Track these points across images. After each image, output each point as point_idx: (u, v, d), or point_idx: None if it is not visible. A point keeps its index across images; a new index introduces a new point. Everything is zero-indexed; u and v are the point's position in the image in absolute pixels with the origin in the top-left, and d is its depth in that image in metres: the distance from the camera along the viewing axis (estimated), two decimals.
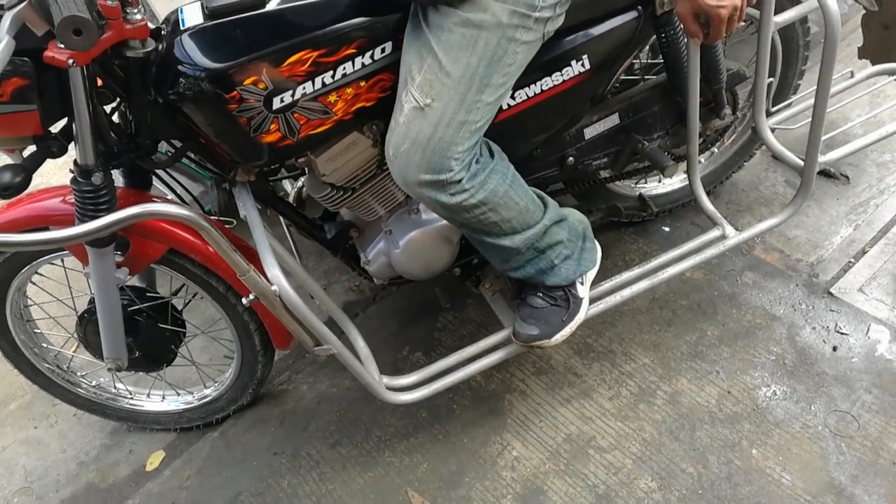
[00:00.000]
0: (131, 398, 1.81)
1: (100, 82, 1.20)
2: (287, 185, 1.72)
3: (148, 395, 1.82)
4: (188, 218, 1.06)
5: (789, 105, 1.78)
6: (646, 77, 1.68)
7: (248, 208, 1.31)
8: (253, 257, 1.27)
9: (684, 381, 1.69)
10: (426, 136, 1.19)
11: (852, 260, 1.86)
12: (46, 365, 1.69)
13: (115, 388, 1.80)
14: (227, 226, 1.47)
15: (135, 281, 1.58)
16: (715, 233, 1.62)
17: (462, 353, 1.55)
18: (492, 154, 1.30)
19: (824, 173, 2.04)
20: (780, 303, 1.81)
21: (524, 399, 1.72)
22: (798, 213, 1.67)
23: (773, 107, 1.73)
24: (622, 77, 1.66)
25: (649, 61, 1.70)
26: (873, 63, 1.86)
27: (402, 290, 2.00)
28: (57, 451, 1.82)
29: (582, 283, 1.54)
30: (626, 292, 1.56)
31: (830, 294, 1.79)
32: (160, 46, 1.17)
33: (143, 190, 1.45)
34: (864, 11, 1.79)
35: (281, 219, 1.67)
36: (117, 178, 1.43)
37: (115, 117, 1.31)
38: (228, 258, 1.13)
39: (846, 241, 1.90)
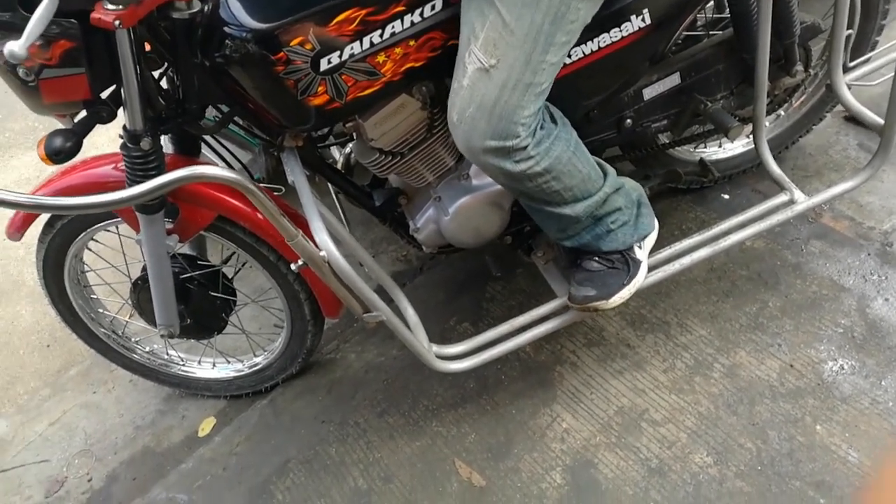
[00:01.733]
0: (183, 365, 1.83)
1: (147, 47, 1.19)
2: (335, 152, 1.69)
3: (199, 363, 1.84)
4: (235, 181, 1.04)
5: (867, 61, 1.66)
6: (710, 33, 1.58)
7: (295, 174, 1.29)
8: (301, 224, 1.25)
9: (743, 353, 1.61)
10: (492, 99, 1.15)
11: None
12: (103, 330, 1.73)
13: (167, 354, 1.82)
14: (275, 193, 1.46)
15: (186, 249, 1.59)
16: (782, 198, 1.53)
17: (512, 322, 1.51)
18: (554, 120, 1.26)
19: None
20: (850, 273, 1.70)
21: (575, 371, 1.67)
22: (873, 178, 1.56)
23: (850, 62, 1.61)
24: (684, 33, 1.57)
25: (714, 16, 1.60)
26: None
27: (449, 260, 1.96)
28: (114, 416, 1.86)
29: (640, 248, 1.48)
30: (686, 260, 1.49)
31: None
32: (206, 7, 1.14)
33: (191, 157, 1.44)
34: None
35: (329, 186, 1.64)
36: (166, 145, 1.44)
37: (163, 82, 1.30)
38: (277, 223, 1.11)
39: None
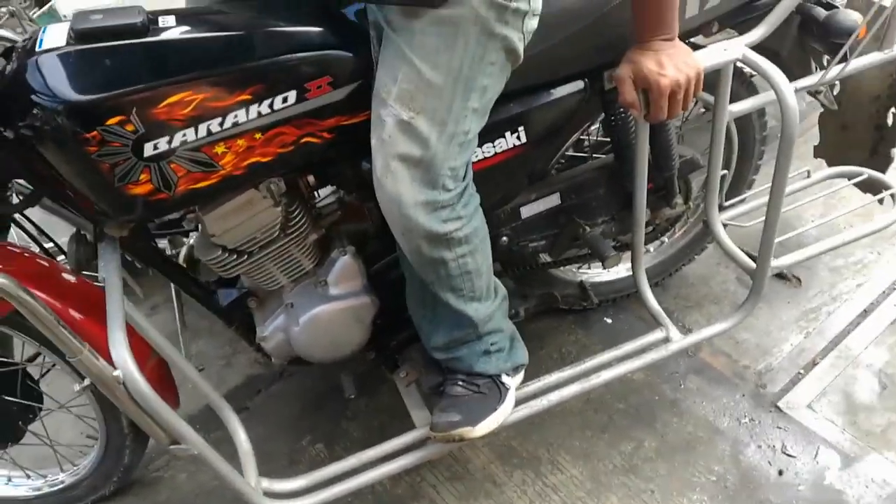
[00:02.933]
0: None
1: None
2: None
3: None
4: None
5: (744, 200, 1.66)
6: (595, 155, 1.54)
7: (108, 271, 1.09)
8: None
9: (614, 499, 1.48)
10: (417, 151, 1.07)
11: (802, 371, 1.71)
12: None
13: None
14: (97, 283, 1.25)
15: None
16: (658, 334, 1.46)
17: (361, 456, 1.32)
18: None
19: (778, 275, 1.92)
20: (725, 414, 1.64)
21: None
22: (749, 315, 1.53)
23: (726, 201, 1.60)
24: (569, 153, 1.53)
25: (600, 139, 1.56)
26: (829, 164, 1.77)
27: (310, 368, 1.78)
28: None
29: (509, 377, 1.36)
30: (555, 396, 1.37)
31: (778, 408, 1.63)
32: (7, 69, 0.97)
33: None
34: (822, 109, 1.70)
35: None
36: None
37: None
38: (53, 336, 0.90)
39: (796, 349, 1.77)
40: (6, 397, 1.31)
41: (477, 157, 1.23)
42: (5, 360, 1.33)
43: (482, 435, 1.29)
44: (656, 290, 1.89)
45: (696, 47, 1.28)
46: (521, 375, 1.39)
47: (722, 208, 1.55)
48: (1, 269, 1.03)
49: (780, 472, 1.51)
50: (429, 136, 1.06)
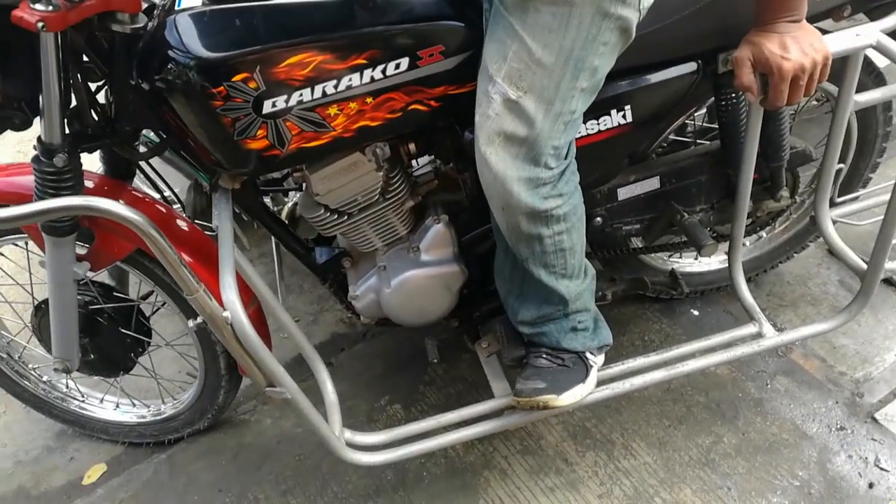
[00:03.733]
0: (82, 401, 1.66)
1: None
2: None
3: (101, 401, 1.67)
4: (129, 220, 0.91)
5: (857, 198, 1.57)
6: (698, 142, 1.50)
7: (221, 219, 1.16)
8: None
9: (688, 491, 1.46)
10: (523, 130, 1.07)
11: None
12: None
13: (66, 387, 1.65)
14: (208, 233, 1.33)
15: (105, 277, 1.45)
16: (750, 329, 1.41)
17: (440, 418, 1.36)
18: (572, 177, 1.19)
19: (886, 280, 1.82)
20: (815, 420, 1.57)
21: (503, 479, 1.51)
22: (852, 323, 1.46)
23: (838, 197, 1.52)
24: (672, 137, 1.49)
25: (705, 125, 1.52)
26: None
27: (395, 330, 1.83)
28: None
29: (594, 355, 1.36)
30: (638, 380, 1.36)
31: (874, 420, 1.56)
32: (150, 25, 1.04)
33: (123, 181, 1.32)
34: None
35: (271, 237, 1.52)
36: (97, 164, 1.32)
37: (100, 96, 1.19)
38: (175, 273, 0.97)
39: None
40: (121, 330, 1.42)
41: (580, 133, 1.22)
42: (122, 295, 1.44)
43: (567, 405, 1.28)
44: (749, 286, 1.81)
45: (823, 32, 1.22)
46: (603, 356, 1.38)
47: (833, 204, 1.47)
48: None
49: (871, 485, 1.44)
50: (535, 116, 1.06)
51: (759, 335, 1.40)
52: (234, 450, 1.63)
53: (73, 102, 1.12)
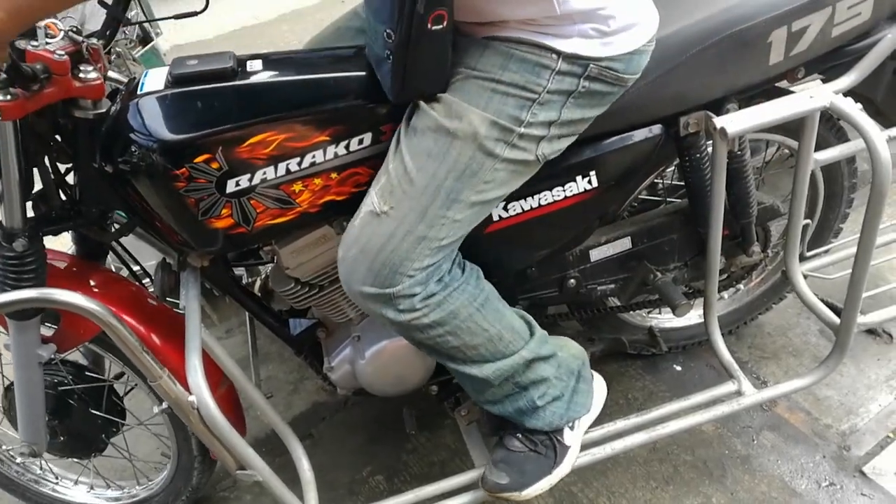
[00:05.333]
0: (56, 483, 1.61)
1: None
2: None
3: (75, 483, 1.61)
4: (87, 310, 0.90)
5: (829, 251, 1.58)
6: (669, 200, 1.51)
7: (189, 298, 1.15)
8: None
9: None
10: (377, 246, 1.05)
11: (891, 435, 1.59)
12: None
13: (39, 468, 1.60)
14: (178, 311, 1.32)
15: (78, 356, 1.42)
16: (730, 387, 1.40)
17: (419, 491, 1.32)
18: (462, 272, 1.14)
19: (867, 329, 1.81)
20: (803, 475, 1.54)
21: None
22: (834, 373, 1.44)
23: (808, 251, 1.53)
24: (643, 196, 1.50)
25: (674, 183, 1.53)
26: None
27: (375, 399, 1.80)
28: None
29: (572, 429, 1.32)
30: (619, 444, 1.33)
31: (862, 473, 1.53)
32: (112, 110, 1.05)
33: (94, 261, 1.31)
34: None
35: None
36: (69, 245, 1.32)
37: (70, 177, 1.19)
38: (137, 360, 0.95)
39: (885, 411, 1.65)
40: (93, 411, 1.39)
41: (547, 200, 1.23)
42: (95, 375, 1.41)
43: (531, 498, 1.27)
44: (729, 339, 1.82)
45: (781, 93, 1.25)
46: (590, 420, 1.34)
47: (803, 258, 1.48)
48: (97, 295, 1.11)
49: None
50: (394, 234, 1.05)
51: (738, 393, 1.39)
52: None
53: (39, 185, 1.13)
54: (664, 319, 1.76)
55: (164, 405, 1.03)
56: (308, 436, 1.77)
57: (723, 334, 1.70)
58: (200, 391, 1.01)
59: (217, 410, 1.02)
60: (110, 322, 0.90)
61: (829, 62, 1.29)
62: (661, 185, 1.53)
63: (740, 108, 1.23)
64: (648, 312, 1.74)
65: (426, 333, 1.11)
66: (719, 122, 1.11)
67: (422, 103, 1.04)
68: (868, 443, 1.59)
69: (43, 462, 1.59)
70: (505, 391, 1.22)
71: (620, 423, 1.37)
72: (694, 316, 1.76)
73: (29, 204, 1.14)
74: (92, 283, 1.24)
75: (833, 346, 1.34)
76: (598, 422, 1.41)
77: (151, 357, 0.96)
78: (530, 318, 1.25)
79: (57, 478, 1.61)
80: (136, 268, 1.41)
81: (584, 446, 1.35)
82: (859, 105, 1.12)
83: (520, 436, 1.29)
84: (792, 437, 1.62)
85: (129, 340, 0.92)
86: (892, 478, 1.51)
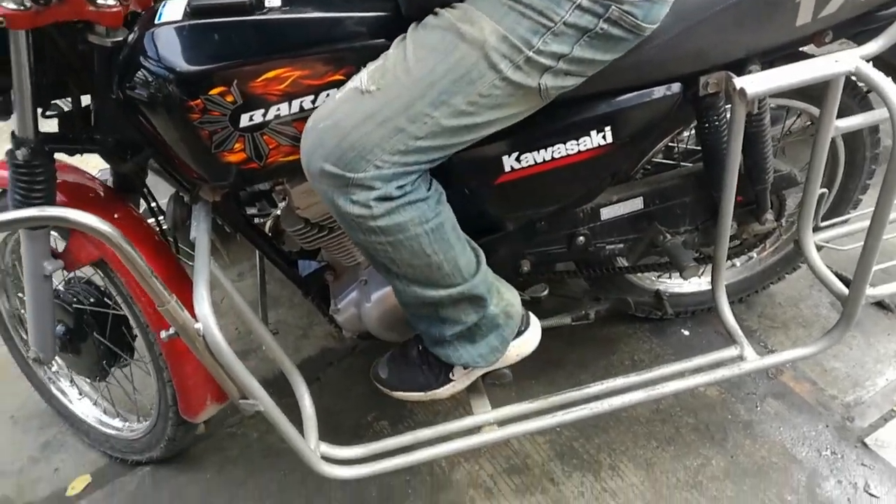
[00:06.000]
0: (79, 400, 1.67)
1: None
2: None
3: (94, 403, 1.67)
4: (98, 230, 0.92)
5: (846, 221, 1.56)
6: (684, 164, 1.49)
7: (199, 231, 1.17)
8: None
9: None
10: (352, 123, 1.02)
11: (895, 409, 1.60)
12: (22, 335, 1.61)
13: (70, 382, 1.67)
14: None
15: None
16: (732, 351, 1.40)
17: (417, 433, 1.35)
18: (428, 190, 1.11)
19: (878, 303, 1.80)
20: (804, 443, 1.55)
21: (488, 498, 1.49)
22: (838, 345, 1.44)
23: (823, 221, 1.51)
24: (658, 160, 1.49)
25: (690, 147, 1.51)
26: None
27: (385, 345, 1.83)
28: None
29: (465, 368, 1.33)
30: (617, 401, 1.34)
31: (864, 444, 1.53)
32: (130, 38, 1.05)
33: (127, 193, 1.34)
34: None
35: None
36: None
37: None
38: (146, 284, 0.98)
39: (892, 385, 1.64)
40: (98, 336, 1.43)
41: (559, 153, 1.22)
42: (109, 302, 1.44)
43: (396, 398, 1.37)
44: (739, 307, 1.82)
45: (805, 56, 1.22)
46: (478, 373, 1.35)
47: (818, 229, 1.46)
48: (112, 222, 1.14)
49: None
50: (372, 116, 1.01)
51: (740, 358, 1.39)
52: (220, 463, 1.62)
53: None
54: (672, 284, 1.76)
55: (171, 331, 1.06)
56: (315, 379, 1.80)
57: (733, 302, 1.70)
58: (207, 319, 1.04)
59: (222, 338, 1.05)
60: (119, 243, 0.92)
61: (858, 27, 1.25)
62: (676, 150, 1.52)
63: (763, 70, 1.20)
64: (658, 276, 1.74)
65: (368, 236, 1.08)
66: (739, 82, 1.09)
67: (438, 8, 1.03)
68: (872, 415, 1.59)
69: (74, 377, 1.65)
70: (422, 313, 1.23)
71: (621, 381, 1.38)
72: (703, 282, 1.76)
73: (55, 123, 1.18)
74: (111, 211, 1.27)
75: (839, 317, 1.34)
76: (601, 378, 1.43)
77: (160, 281, 0.99)
78: (482, 257, 1.23)
79: (80, 394, 1.67)
80: (155, 206, 1.43)
81: (582, 401, 1.37)
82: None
83: (420, 348, 1.33)
84: (796, 406, 1.62)
85: (138, 263, 0.95)
86: (893, 450, 1.51)
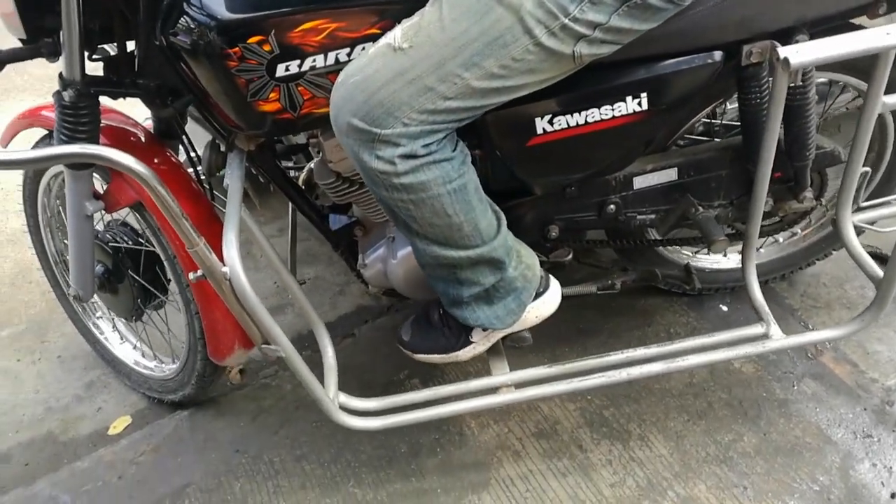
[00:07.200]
0: (121, 343, 1.74)
1: None
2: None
3: (134, 347, 1.74)
4: (132, 170, 0.95)
5: (887, 203, 1.50)
6: (719, 138, 1.46)
7: (232, 178, 1.20)
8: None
9: (703, 487, 1.44)
10: (382, 79, 1.02)
11: None
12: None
13: (113, 327, 1.74)
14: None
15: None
16: (757, 329, 1.38)
17: (437, 390, 1.38)
18: (454, 150, 1.11)
19: None
20: (840, 425, 1.52)
21: (516, 460, 1.51)
22: (882, 328, 1.40)
23: (867, 200, 1.47)
24: (694, 136, 1.46)
25: (727, 122, 1.47)
26: None
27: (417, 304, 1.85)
28: (30, 390, 1.77)
29: (485, 330, 1.34)
30: (635, 371, 1.34)
31: None
32: None
33: (168, 139, 1.38)
34: None
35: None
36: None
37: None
38: (177, 225, 1.01)
39: None
40: (134, 275, 1.48)
41: (594, 118, 1.20)
42: (145, 243, 1.49)
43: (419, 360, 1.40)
44: (782, 285, 1.80)
45: (854, 28, 1.17)
46: (497, 335, 1.37)
47: (859, 209, 1.42)
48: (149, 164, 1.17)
49: (893, 496, 1.40)
50: (403, 73, 1.01)
51: (765, 336, 1.37)
52: (254, 412, 1.67)
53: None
54: (707, 260, 1.73)
55: (199, 273, 1.09)
56: (350, 335, 1.83)
57: (776, 279, 1.70)
58: (234, 263, 1.07)
59: (247, 283, 1.08)
60: (154, 185, 0.96)
61: None
62: (716, 126, 1.48)
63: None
64: (696, 252, 1.71)
65: (391, 193, 1.09)
66: (783, 51, 1.05)
67: None
68: None
69: (116, 322, 1.73)
70: (440, 273, 1.23)
71: (640, 351, 1.38)
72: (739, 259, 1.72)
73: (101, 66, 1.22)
74: (151, 155, 1.31)
75: (872, 300, 1.31)
76: (619, 347, 1.43)
77: (190, 224, 1.02)
78: (503, 221, 1.23)
79: (122, 339, 1.74)
80: (193, 154, 1.46)
81: (600, 368, 1.37)
82: None
83: (441, 311, 1.34)
84: (834, 387, 1.59)
85: (171, 204, 0.98)
86: None
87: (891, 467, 1.44)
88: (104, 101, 1.22)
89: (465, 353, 1.36)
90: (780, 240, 1.72)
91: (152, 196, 0.98)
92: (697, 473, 1.46)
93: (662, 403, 1.59)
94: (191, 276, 1.12)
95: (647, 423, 1.56)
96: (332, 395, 1.29)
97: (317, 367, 1.48)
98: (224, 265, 1.08)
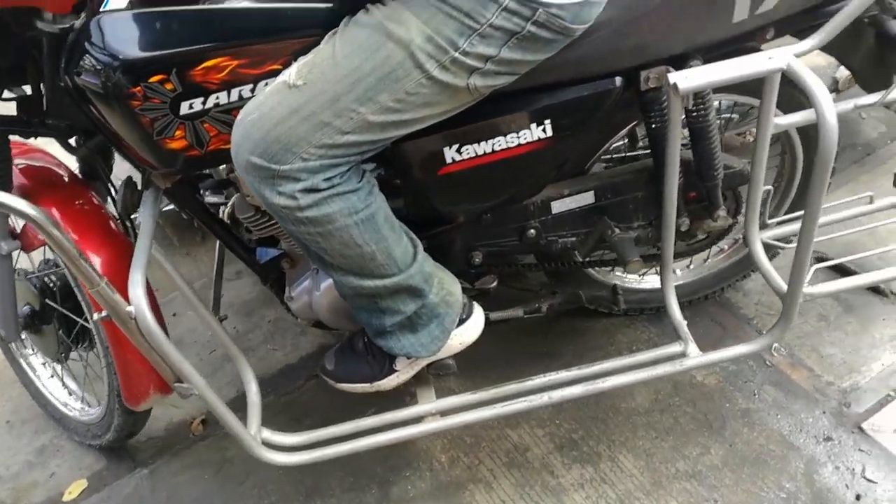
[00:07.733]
0: (49, 380, 1.72)
1: None
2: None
3: (51, 376, 1.72)
4: (17, 210, 0.95)
5: (792, 220, 1.55)
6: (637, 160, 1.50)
7: (145, 216, 1.21)
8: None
9: (674, 503, 1.45)
10: (278, 117, 1.03)
11: (892, 394, 1.58)
12: None
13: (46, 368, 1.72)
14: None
15: None
16: (675, 348, 1.41)
17: (360, 422, 1.38)
18: (359, 182, 1.12)
19: (873, 288, 1.78)
20: (802, 430, 1.55)
21: (489, 493, 1.51)
22: (833, 330, 1.46)
23: (772, 217, 1.52)
24: (620, 158, 1.50)
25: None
26: None
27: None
28: None
29: (409, 358, 1.35)
30: (556, 394, 1.36)
31: (861, 430, 1.53)
32: (76, 24, 1.09)
33: (90, 181, 1.38)
34: None
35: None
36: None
37: None
38: (75, 266, 1.01)
39: (888, 370, 1.63)
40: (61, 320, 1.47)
41: (500, 146, 1.23)
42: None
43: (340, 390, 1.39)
44: (736, 296, 1.83)
45: (746, 51, 1.22)
46: (413, 370, 1.37)
47: (765, 226, 1.46)
48: (60, 206, 1.17)
49: (858, 497, 1.42)
50: (299, 109, 1.03)
51: (682, 355, 1.39)
52: (218, 463, 1.63)
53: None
54: (635, 280, 1.76)
55: (104, 314, 1.09)
56: (314, 376, 1.77)
57: (717, 293, 1.75)
58: (139, 302, 1.06)
59: (153, 321, 1.07)
60: (46, 226, 0.95)
61: (800, 24, 1.25)
62: (639, 148, 1.52)
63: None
64: (611, 271, 1.73)
65: (297, 227, 1.10)
66: (673, 77, 1.09)
67: (369, 5, 1.05)
68: (868, 400, 1.59)
69: (56, 367, 1.69)
70: (362, 304, 1.24)
71: (563, 374, 1.40)
72: (689, 276, 1.76)
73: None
74: (72, 196, 1.31)
75: (780, 315, 1.34)
76: (545, 371, 1.43)
77: (89, 264, 1.02)
78: (419, 247, 1.24)
79: (52, 376, 1.71)
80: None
81: (523, 393, 1.38)
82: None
83: (365, 340, 1.35)
84: (793, 393, 1.62)
85: (65, 245, 0.98)
86: (890, 435, 1.51)
87: (853, 469, 1.46)
88: (38, 141, 1.21)
89: (388, 382, 1.37)
90: (725, 248, 1.75)
91: (45, 238, 0.98)
92: (668, 490, 1.47)
93: (630, 422, 1.60)
94: (95, 316, 1.11)
95: (615, 443, 1.57)
96: (253, 432, 1.28)
97: (291, 407, 1.44)
98: (129, 304, 1.07)
